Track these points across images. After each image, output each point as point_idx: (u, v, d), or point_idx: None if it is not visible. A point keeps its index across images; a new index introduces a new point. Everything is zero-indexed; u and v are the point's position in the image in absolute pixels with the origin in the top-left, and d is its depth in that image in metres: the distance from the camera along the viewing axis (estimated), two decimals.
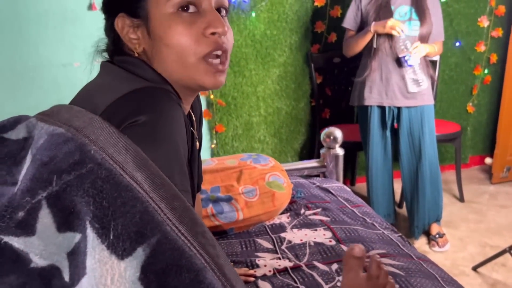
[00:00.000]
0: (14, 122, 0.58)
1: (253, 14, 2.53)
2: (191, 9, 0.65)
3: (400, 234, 1.22)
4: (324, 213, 1.29)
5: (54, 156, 0.50)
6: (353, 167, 3.05)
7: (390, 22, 2.01)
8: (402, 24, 2.04)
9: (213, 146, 2.68)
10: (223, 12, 0.70)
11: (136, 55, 0.68)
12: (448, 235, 2.32)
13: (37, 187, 0.49)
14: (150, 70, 0.68)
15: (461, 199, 2.74)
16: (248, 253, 1.10)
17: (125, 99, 0.59)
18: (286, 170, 1.58)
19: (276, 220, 1.27)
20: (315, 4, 2.64)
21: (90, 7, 2.24)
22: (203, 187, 1.23)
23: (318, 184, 1.54)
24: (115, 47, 0.71)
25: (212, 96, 2.58)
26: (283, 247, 1.13)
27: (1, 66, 2.19)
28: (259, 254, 1.10)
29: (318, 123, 2.83)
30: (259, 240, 1.16)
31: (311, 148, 2.92)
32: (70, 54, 2.23)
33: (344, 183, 3.00)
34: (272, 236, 1.18)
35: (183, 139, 0.61)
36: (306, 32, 2.69)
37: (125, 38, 0.69)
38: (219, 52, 0.67)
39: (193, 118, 0.82)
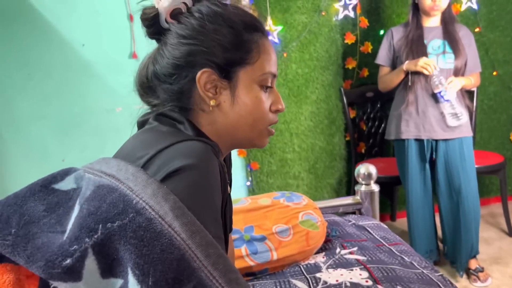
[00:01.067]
0: (64, 173, 0.64)
1: (285, 54, 2.60)
2: (269, 86, 0.76)
3: (440, 273, 1.17)
4: (360, 252, 1.27)
5: (100, 206, 0.54)
6: (392, 202, 2.97)
7: (421, 61, 2.02)
8: (433, 61, 2.04)
9: (248, 183, 2.71)
10: None
11: (211, 108, 0.72)
12: (498, 272, 2.19)
13: (84, 235, 0.53)
14: (193, 127, 0.72)
15: (509, 233, 2.60)
16: None
17: (167, 151, 0.62)
18: (320, 208, 1.58)
19: (311, 260, 1.26)
20: (346, 41, 2.68)
21: (131, 55, 2.38)
22: (236, 226, 1.25)
23: (353, 221, 1.52)
24: (177, 96, 0.73)
25: None
26: (318, 287, 1.11)
27: (50, 113, 2.34)
28: None
29: (354, 158, 2.81)
30: (294, 281, 1.15)
31: (348, 183, 2.89)
32: (112, 100, 2.36)
33: (384, 218, 2.97)
34: (307, 276, 1.17)
35: (218, 188, 0.64)
36: (338, 69, 2.72)
37: (202, 90, 0.71)
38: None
39: (224, 163, 0.85)
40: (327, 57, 2.68)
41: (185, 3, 0.72)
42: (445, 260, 2.31)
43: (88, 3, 2.29)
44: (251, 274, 1.21)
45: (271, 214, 1.29)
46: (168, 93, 0.73)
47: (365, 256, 1.24)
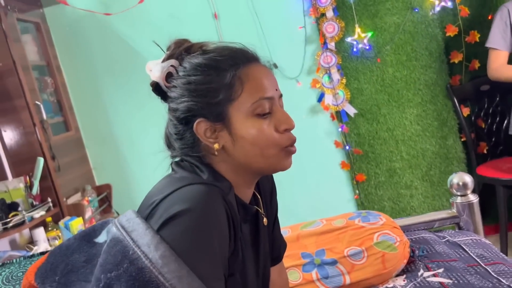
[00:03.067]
0: (101, 226, 0.76)
1: (378, 60, 2.49)
2: (267, 111, 0.76)
3: None
4: (446, 274, 1.15)
5: (106, 258, 0.63)
6: None
7: None
8: None
9: (356, 196, 2.64)
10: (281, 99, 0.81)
11: (216, 153, 0.77)
12: None
13: (94, 284, 0.62)
14: (205, 167, 0.77)
15: None
16: None
17: (169, 197, 0.69)
18: (410, 224, 1.48)
19: (390, 283, 1.19)
20: (447, 34, 2.45)
21: None
22: (308, 250, 1.25)
23: (448, 238, 1.38)
24: (189, 147, 0.79)
25: (347, 147, 2.58)
26: None
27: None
28: None
29: (475, 160, 2.51)
30: None
31: None
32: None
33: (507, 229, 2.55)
34: None
35: (219, 229, 0.67)
36: (441, 65, 2.49)
37: (203, 138, 0.76)
38: (293, 148, 0.79)
39: (259, 196, 0.88)
40: (427, 54, 2.48)
41: (173, 66, 0.78)
42: None
43: None
44: None
45: (344, 236, 1.26)
46: (181, 146, 0.80)
47: (451, 279, 1.12)
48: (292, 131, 0.79)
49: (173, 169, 0.81)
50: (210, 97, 0.74)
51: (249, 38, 2.52)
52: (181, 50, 0.80)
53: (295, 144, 0.79)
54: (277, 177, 2.78)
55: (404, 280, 1.19)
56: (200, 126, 0.76)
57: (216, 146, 0.76)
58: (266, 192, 0.93)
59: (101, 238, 0.74)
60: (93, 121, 2.68)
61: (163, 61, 0.79)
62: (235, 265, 0.74)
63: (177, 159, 0.83)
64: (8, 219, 1.98)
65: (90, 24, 2.57)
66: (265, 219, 0.87)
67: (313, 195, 2.67)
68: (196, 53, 0.78)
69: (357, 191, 2.63)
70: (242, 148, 0.75)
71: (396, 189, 2.61)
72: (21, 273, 1.36)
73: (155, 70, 0.78)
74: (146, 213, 0.71)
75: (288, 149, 0.77)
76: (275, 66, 2.56)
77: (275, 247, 0.95)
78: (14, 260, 1.66)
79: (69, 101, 2.57)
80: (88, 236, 0.75)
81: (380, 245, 1.21)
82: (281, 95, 0.80)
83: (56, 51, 2.56)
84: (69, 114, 2.52)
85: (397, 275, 1.23)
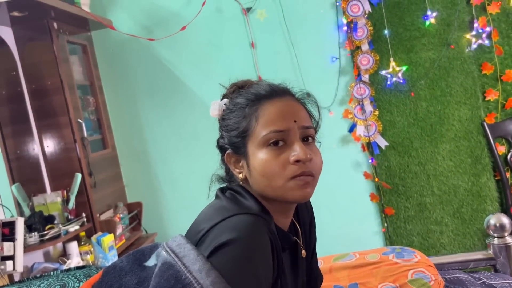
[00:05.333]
0: (150, 250, 0.80)
1: (412, 94, 2.50)
2: (281, 143, 0.79)
3: None
4: None
5: (159, 282, 0.67)
6: None
7: None
8: None
9: (384, 230, 2.61)
10: (310, 139, 0.82)
11: (241, 182, 0.84)
12: None
13: None
14: (249, 196, 0.82)
15: None
16: None
17: (218, 226, 0.73)
18: (445, 263, 1.46)
19: None
20: (483, 72, 2.45)
21: None
22: (341, 283, 1.26)
23: (484, 280, 1.36)
24: (227, 175, 0.89)
25: (377, 179, 2.57)
26: None
27: (198, 169, 2.67)
28: None
29: (510, 199, 2.46)
30: None
31: None
32: None
33: None
34: None
35: (264, 259, 0.70)
36: (476, 102, 2.48)
37: (231, 168, 0.85)
38: (308, 178, 0.78)
39: (298, 227, 0.90)
40: (462, 90, 2.48)
41: (225, 104, 0.87)
42: None
43: (223, 70, 2.61)
44: None
45: (377, 272, 1.26)
46: (225, 174, 0.89)
47: None
48: (319, 161, 0.82)
49: (217, 195, 0.86)
50: (233, 131, 0.82)
51: (284, 67, 2.60)
52: (232, 89, 0.89)
53: (315, 175, 0.80)
54: None
55: None
56: (228, 158, 0.85)
57: (241, 175, 0.83)
58: (306, 223, 0.95)
59: (151, 261, 0.77)
60: (129, 140, 2.77)
61: (221, 99, 0.88)
62: None
63: (223, 185, 0.89)
64: (45, 232, 2.05)
65: (133, 48, 2.69)
66: (303, 251, 0.89)
67: (340, 225, 2.65)
68: (239, 92, 0.87)
69: (385, 224, 2.61)
70: (255, 179, 0.80)
71: (425, 224, 2.57)
72: (58, 286, 1.40)
73: (212, 108, 0.87)
74: (195, 239, 0.74)
75: (296, 179, 0.77)
76: (308, 95, 2.60)
77: (312, 279, 0.97)
78: (52, 273, 1.72)
79: (108, 120, 2.67)
80: (139, 260, 0.79)
81: (415, 283, 1.21)
82: (306, 127, 0.81)
83: (100, 72, 2.68)
84: (107, 132, 2.61)
85: None
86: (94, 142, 2.51)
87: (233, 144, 0.83)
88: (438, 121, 2.52)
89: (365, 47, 2.51)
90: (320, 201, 2.62)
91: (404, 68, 2.48)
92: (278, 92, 0.83)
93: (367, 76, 2.53)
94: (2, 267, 1.87)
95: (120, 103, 2.76)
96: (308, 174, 0.78)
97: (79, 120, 2.30)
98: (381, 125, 2.55)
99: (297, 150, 0.77)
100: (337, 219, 2.66)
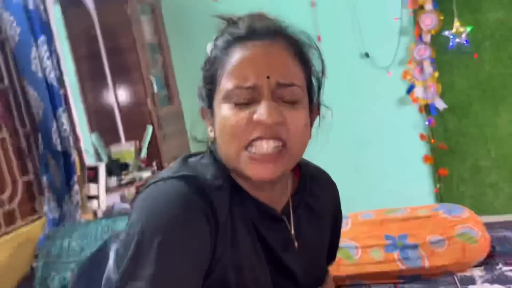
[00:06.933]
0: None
1: (475, 55, 2.45)
2: (246, 101, 0.62)
3: None
4: None
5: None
6: None
7: None
8: None
9: (436, 190, 2.66)
10: (291, 100, 0.63)
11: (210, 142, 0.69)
12: None
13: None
14: (213, 160, 0.68)
15: None
16: None
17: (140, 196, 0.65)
18: (494, 223, 1.53)
19: (468, 272, 1.28)
20: None
21: None
22: (391, 233, 1.38)
23: None
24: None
25: (433, 141, 2.60)
26: None
27: None
28: None
29: None
30: None
31: None
32: None
33: None
34: (459, 286, 1.21)
35: (187, 235, 0.58)
36: None
37: (206, 126, 0.71)
38: (270, 144, 0.61)
39: (291, 211, 0.71)
40: None
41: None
42: None
43: None
44: (402, 277, 1.32)
45: (426, 225, 1.36)
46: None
47: None
48: (296, 129, 0.62)
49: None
50: (203, 80, 0.68)
51: (343, 27, 2.62)
52: (223, 27, 0.70)
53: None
54: (356, 163, 2.90)
55: (482, 271, 1.28)
56: (202, 112, 0.71)
57: (211, 135, 0.68)
58: (320, 212, 0.77)
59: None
60: (192, 96, 2.94)
61: None
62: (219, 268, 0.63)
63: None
64: (122, 177, 2.31)
65: (198, 9, 2.80)
66: (296, 243, 0.71)
67: (392, 185, 2.72)
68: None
69: (437, 185, 2.65)
70: (218, 142, 0.66)
71: (479, 187, 2.59)
72: None
73: (208, 50, 0.70)
74: None
75: (249, 150, 0.61)
76: (367, 55, 2.63)
77: (320, 266, 0.81)
78: None
79: (173, 77, 2.86)
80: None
81: (462, 236, 1.30)
82: (283, 84, 0.62)
83: (167, 31, 2.84)
84: (173, 88, 2.80)
85: (476, 266, 1.31)
86: (161, 97, 2.71)
87: (203, 95, 0.69)
88: (501, 85, 2.46)
89: (428, 6, 2.46)
90: (374, 160, 2.71)
91: (468, 29, 2.42)
92: (258, 32, 0.64)
93: (428, 36, 2.50)
94: (89, 204, 2.16)
95: (185, 61, 2.91)
96: (271, 138, 0.60)
97: (151, 76, 2.49)
98: (440, 87, 2.53)
99: (259, 110, 0.60)
100: (390, 179, 2.73)
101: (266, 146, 0.61)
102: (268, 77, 0.61)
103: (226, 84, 0.63)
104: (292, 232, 0.70)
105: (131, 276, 0.57)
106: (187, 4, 2.83)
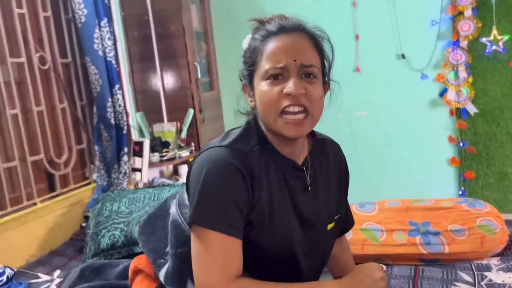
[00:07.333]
0: (173, 198, 1.09)
1: (511, 64, 2.51)
2: (280, 78, 0.84)
3: None
4: None
5: (171, 239, 0.98)
6: None
7: None
8: None
9: (460, 193, 2.73)
10: (312, 77, 0.85)
11: (252, 110, 0.92)
12: None
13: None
14: (255, 125, 0.91)
15: None
16: (447, 281, 1.29)
17: (194, 161, 0.89)
18: None
19: (484, 261, 1.38)
20: None
21: (355, 69, 2.76)
22: (415, 220, 1.49)
23: None
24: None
25: (461, 144, 2.67)
26: (482, 282, 1.26)
27: None
28: (457, 283, 1.27)
29: None
30: (461, 273, 1.32)
31: None
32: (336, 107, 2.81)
33: None
34: (475, 272, 1.32)
35: (232, 186, 0.82)
36: None
37: (246, 98, 0.94)
38: (296, 109, 0.83)
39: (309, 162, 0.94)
40: None
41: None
42: None
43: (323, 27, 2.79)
44: (423, 260, 1.43)
45: (449, 215, 1.46)
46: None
47: None
48: (316, 97, 0.84)
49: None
50: (246, 64, 0.90)
51: (382, 28, 2.71)
52: (256, 25, 0.93)
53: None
54: (384, 158, 3.01)
55: (498, 261, 1.38)
56: (244, 88, 0.94)
57: (251, 104, 0.91)
58: (331, 170, 0.99)
59: (172, 208, 1.02)
60: (231, 84, 3.09)
61: None
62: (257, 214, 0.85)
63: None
64: (164, 154, 2.49)
65: (243, 2, 2.95)
66: (309, 188, 0.93)
67: (417, 185, 2.81)
68: (259, 27, 0.91)
69: (462, 188, 2.72)
70: (258, 110, 0.88)
71: (504, 193, 2.65)
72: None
73: (244, 42, 0.94)
74: None
75: (286, 118, 0.83)
76: (403, 56, 2.71)
77: (347, 218, 1.06)
78: (174, 183, 2.13)
79: (215, 65, 3.01)
80: (165, 208, 1.06)
81: (482, 228, 1.40)
82: (306, 65, 0.83)
83: (212, 20, 2.99)
84: (214, 76, 2.96)
85: (493, 256, 1.41)
86: (203, 83, 2.87)
87: (245, 75, 0.91)
88: None
89: (468, 13, 2.53)
90: (401, 158, 2.80)
91: (506, 37, 2.48)
92: (286, 29, 0.87)
93: (465, 42, 2.56)
94: (133, 176, 2.34)
95: (227, 50, 3.07)
96: (297, 105, 0.82)
97: (195, 63, 2.65)
98: (473, 92, 2.60)
99: (289, 85, 0.82)
100: (415, 177, 2.81)
101: (292, 109, 0.83)
102: (294, 60, 0.83)
103: (264, 65, 0.85)
104: (308, 180, 0.93)
105: (200, 206, 0.82)
106: None
